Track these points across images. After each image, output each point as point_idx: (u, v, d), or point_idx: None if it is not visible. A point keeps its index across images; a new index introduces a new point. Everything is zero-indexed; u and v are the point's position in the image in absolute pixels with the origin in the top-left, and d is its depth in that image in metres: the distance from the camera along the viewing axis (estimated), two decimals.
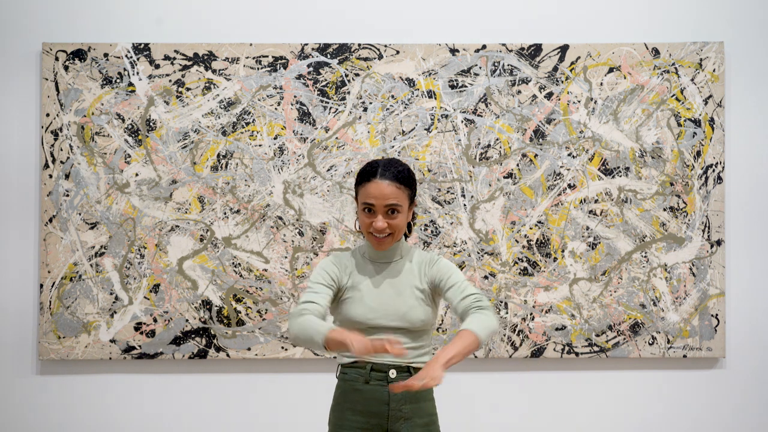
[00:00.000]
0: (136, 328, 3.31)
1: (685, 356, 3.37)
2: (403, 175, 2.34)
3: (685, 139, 3.39)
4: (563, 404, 3.41)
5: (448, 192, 3.36)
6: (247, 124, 3.34)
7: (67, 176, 3.31)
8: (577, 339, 3.36)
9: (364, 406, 2.33)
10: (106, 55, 3.33)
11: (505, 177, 3.37)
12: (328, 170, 3.35)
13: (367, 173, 2.35)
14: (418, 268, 2.40)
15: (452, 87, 3.37)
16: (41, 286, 3.29)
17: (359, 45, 3.36)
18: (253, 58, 3.35)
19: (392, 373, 2.33)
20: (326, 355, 3.31)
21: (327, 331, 2.17)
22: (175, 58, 3.34)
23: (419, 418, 2.35)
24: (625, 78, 3.39)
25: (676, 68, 3.39)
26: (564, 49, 3.39)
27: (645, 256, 3.37)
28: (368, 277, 2.38)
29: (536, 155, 3.37)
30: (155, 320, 3.31)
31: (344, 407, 2.35)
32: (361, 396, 2.33)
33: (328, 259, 2.42)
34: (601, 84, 3.38)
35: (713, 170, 3.38)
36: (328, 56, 3.36)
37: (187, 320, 3.31)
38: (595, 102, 3.38)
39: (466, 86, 3.37)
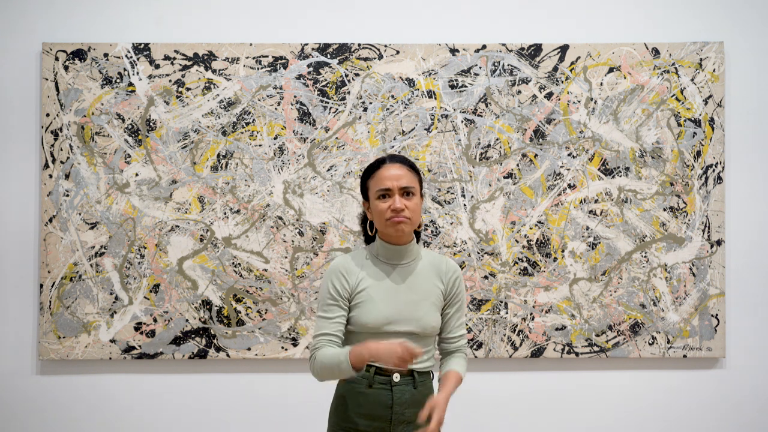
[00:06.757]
0: (136, 328, 3.31)
1: (685, 356, 3.37)
2: (411, 162, 2.39)
3: (685, 139, 3.39)
4: (563, 404, 3.40)
5: (448, 192, 3.36)
6: (247, 124, 3.34)
7: (67, 176, 3.31)
8: (577, 339, 3.35)
9: (367, 410, 2.32)
10: (106, 55, 3.33)
11: (505, 177, 3.37)
12: (328, 170, 3.35)
13: (375, 164, 2.37)
14: (436, 271, 2.40)
15: (452, 87, 3.36)
16: (41, 286, 3.29)
17: (359, 45, 3.36)
18: (253, 58, 3.35)
19: (396, 377, 2.32)
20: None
21: (347, 355, 2.20)
22: (175, 58, 3.34)
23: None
24: (625, 78, 3.39)
25: (676, 68, 3.39)
26: (564, 49, 3.38)
27: (645, 256, 3.37)
28: (382, 280, 2.34)
29: (536, 155, 3.37)
30: (155, 320, 3.31)
31: (348, 409, 2.34)
32: (365, 400, 2.32)
33: (333, 270, 2.36)
34: (601, 84, 3.38)
35: (713, 170, 3.38)
36: (328, 56, 3.36)
37: (187, 320, 3.31)
38: (595, 102, 3.38)
39: (466, 86, 3.37)
